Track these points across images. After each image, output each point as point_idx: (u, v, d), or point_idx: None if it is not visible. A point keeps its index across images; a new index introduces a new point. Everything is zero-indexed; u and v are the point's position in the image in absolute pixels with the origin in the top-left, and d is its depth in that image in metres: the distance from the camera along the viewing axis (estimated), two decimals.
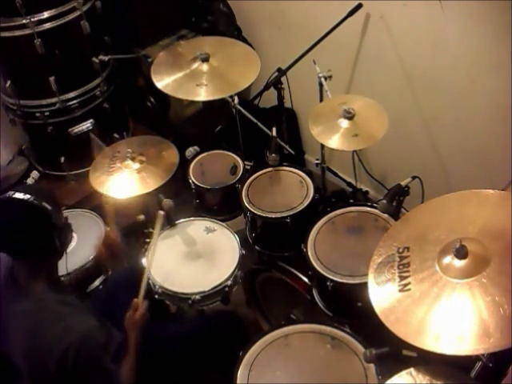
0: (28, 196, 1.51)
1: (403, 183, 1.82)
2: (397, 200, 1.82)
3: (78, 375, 1.53)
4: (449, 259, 1.33)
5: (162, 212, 2.05)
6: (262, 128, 2.43)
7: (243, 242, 2.14)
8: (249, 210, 2.11)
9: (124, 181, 2.12)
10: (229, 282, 2.00)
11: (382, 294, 1.38)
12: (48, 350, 1.52)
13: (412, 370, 1.39)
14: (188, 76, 2.20)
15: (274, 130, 2.21)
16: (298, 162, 2.80)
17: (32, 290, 1.59)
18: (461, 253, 1.30)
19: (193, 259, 2.06)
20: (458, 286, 1.28)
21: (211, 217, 2.25)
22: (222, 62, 2.24)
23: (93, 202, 2.49)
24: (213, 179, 2.34)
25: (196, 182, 2.30)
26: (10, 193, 1.52)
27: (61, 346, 1.51)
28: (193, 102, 2.96)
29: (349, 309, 1.89)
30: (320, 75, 2.24)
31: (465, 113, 2.31)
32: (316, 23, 2.56)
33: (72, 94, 2.64)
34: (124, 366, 1.72)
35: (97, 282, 2.21)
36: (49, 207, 1.52)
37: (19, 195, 1.51)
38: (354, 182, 2.80)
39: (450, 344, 1.21)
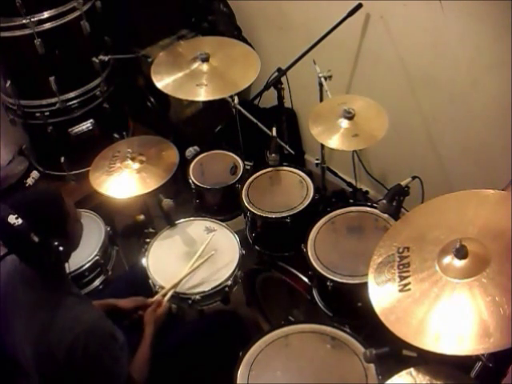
0: (20, 222, 1.46)
1: (403, 183, 1.82)
2: (397, 200, 1.82)
3: (87, 364, 1.53)
4: (449, 259, 1.33)
5: None
6: (262, 128, 2.43)
7: (243, 242, 2.14)
8: (249, 210, 2.11)
9: (124, 181, 2.13)
10: (229, 282, 2.00)
11: (382, 294, 1.38)
12: (57, 339, 1.51)
13: (412, 370, 1.39)
14: (188, 76, 2.20)
15: (274, 129, 2.21)
16: (298, 162, 2.81)
17: (40, 282, 1.59)
18: (461, 253, 1.30)
19: (193, 259, 2.06)
20: (457, 286, 1.28)
21: (211, 217, 2.25)
22: (222, 61, 2.24)
23: (93, 202, 2.49)
24: (213, 179, 2.34)
25: (196, 182, 2.30)
26: (5, 211, 1.47)
27: (70, 335, 1.50)
28: (193, 102, 2.96)
29: (349, 309, 1.89)
30: (320, 75, 2.25)
31: (465, 113, 2.31)
32: (316, 23, 2.56)
33: (72, 94, 2.63)
34: (135, 362, 1.73)
35: (97, 282, 2.20)
36: (36, 239, 1.47)
37: (12, 218, 1.46)
38: (354, 181, 2.80)
39: (450, 344, 1.21)
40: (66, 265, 1.68)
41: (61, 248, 1.53)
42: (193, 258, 2.02)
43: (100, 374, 1.57)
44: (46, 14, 2.39)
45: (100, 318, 1.60)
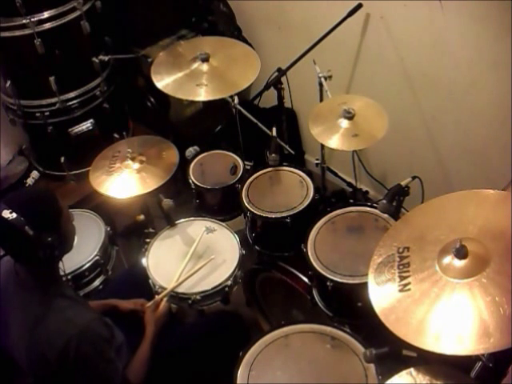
0: (14, 216, 1.47)
1: (403, 183, 1.82)
2: (397, 200, 1.82)
3: (79, 367, 1.53)
4: (449, 259, 1.33)
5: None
6: (262, 128, 2.43)
7: (243, 242, 2.14)
8: (249, 210, 2.11)
9: (124, 181, 2.13)
10: (229, 282, 2.00)
11: (382, 294, 1.38)
12: (49, 342, 1.52)
13: (412, 369, 1.39)
14: (188, 76, 2.20)
15: (274, 129, 2.21)
16: (298, 161, 2.81)
17: (33, 283, 1.59)
18: (461, 253, 1.30)
19: (193, 259, 2.06)
20: (457, 285, 1.28)
21: (211, 217, 2.25)
22: (222, 62, 2.24)
23: (93, 202, 2.49)
24: (213, 179, 2.34)
25: (196, 182, 2.30)
26: (0, 207, 1.48)
27: (62, 337, 1.51)
28: (193, 102, 2.96)
29: (349, 309, 1.89)
30: (320, 75, 2.24)
31: (465, 113, 2.31)
32: (316, 23, 2.56)
33: (72, 94, 2.63)
34: (132, 363, 1.74)
35: (97, 282, 2.20)
36: (31, 232, 1.48)
37: (6, 213, 1.47)
38: (354, 182, 2.80)
39: (450, 344, 1.21)
40: (61, 265, 1.67)
41: (54, 244, 1.54)
42: (186, 257, 2.03)
43: (92, 377, 1.58)
44: (46, 14, 2.39)
45: (93, 320, 1.59)
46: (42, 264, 1.58)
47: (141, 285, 2.05)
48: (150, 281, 2.03)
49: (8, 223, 1.47)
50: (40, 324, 1.53)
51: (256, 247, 2.20)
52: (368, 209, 2.06)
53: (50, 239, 1.52)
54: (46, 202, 1.58)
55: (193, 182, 2.31)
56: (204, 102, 2.83)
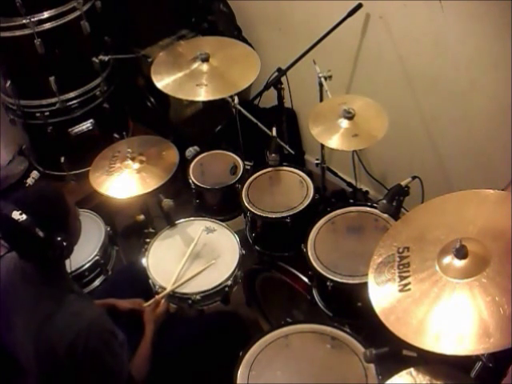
0: (24, 218, 1.47)
1: (403, 183, 1.82)
2: (397, 200, 1.82)
3: (88, 361, 1.53)
4: (449, 259, 1.33)
5: None
6: (262, 128, 2.43)
7: (243, 242, 2.14)
8: (249, 210, 2.11)
9: (124, 181, 2.13)
10: (229, 282, 2.00)
11: (382, 294, 1.38)
12: (58, 336, 1.52)
13: (412, 370, 1.40)
14: (188, 76, 2.20)
15: (274, 129, 2.21)
16: (298, 162, 2.81)
17: (41, 279, 1.59)
18: (461, 253, 1.30)
19: (193, 259, 2.06)
20: (457, 285, 1.28)
21: (211, 217, 2.25)
22: (222, 62, 2.24)
23: (93, 202, 2.49)
24: (213, 179, 2.34)
25: (196, 182, 2.30)
26: (9, 207, 1.48)
27: (71, 331, 1.51)
28: (193, 102, 2.96)
29: (349, 309, 1.89)
30: (320, 75, 2.24)
31: (465, 113, 2.31)
32: (316, 23, 2.56)
33: (72, 94, 2.63)
34: (135, 360, 1.74)
35: (97, 282, 2.21)
36: (41, 234, 1.48)
37: (16, 214, 1.47)
38: (354, 181, 2.80)
39: (450, 344, 1.21)
40: (68, 263, 1.68)
41: (64, 243, 1.54)
42: (184, 257, 2.04)
43: (100, 371, 1.58)
44: (46, 14, 2.39)
45: (101, 315, 1.61)
46: (51, 263, 1.59)
47: (138, 282, 2.05)
48: (150, 281, 2.03)
49: (18, 225, 1.47)
50: (50, 318, 1.54)
51: (256, 247, 2.20)
52: (368, 209, 2.06)
53: (59, 239, 1.53)
54: (55, 202, 1.58)
55: (193, 182, 2.31)
56: (204, 102, 2.83)
